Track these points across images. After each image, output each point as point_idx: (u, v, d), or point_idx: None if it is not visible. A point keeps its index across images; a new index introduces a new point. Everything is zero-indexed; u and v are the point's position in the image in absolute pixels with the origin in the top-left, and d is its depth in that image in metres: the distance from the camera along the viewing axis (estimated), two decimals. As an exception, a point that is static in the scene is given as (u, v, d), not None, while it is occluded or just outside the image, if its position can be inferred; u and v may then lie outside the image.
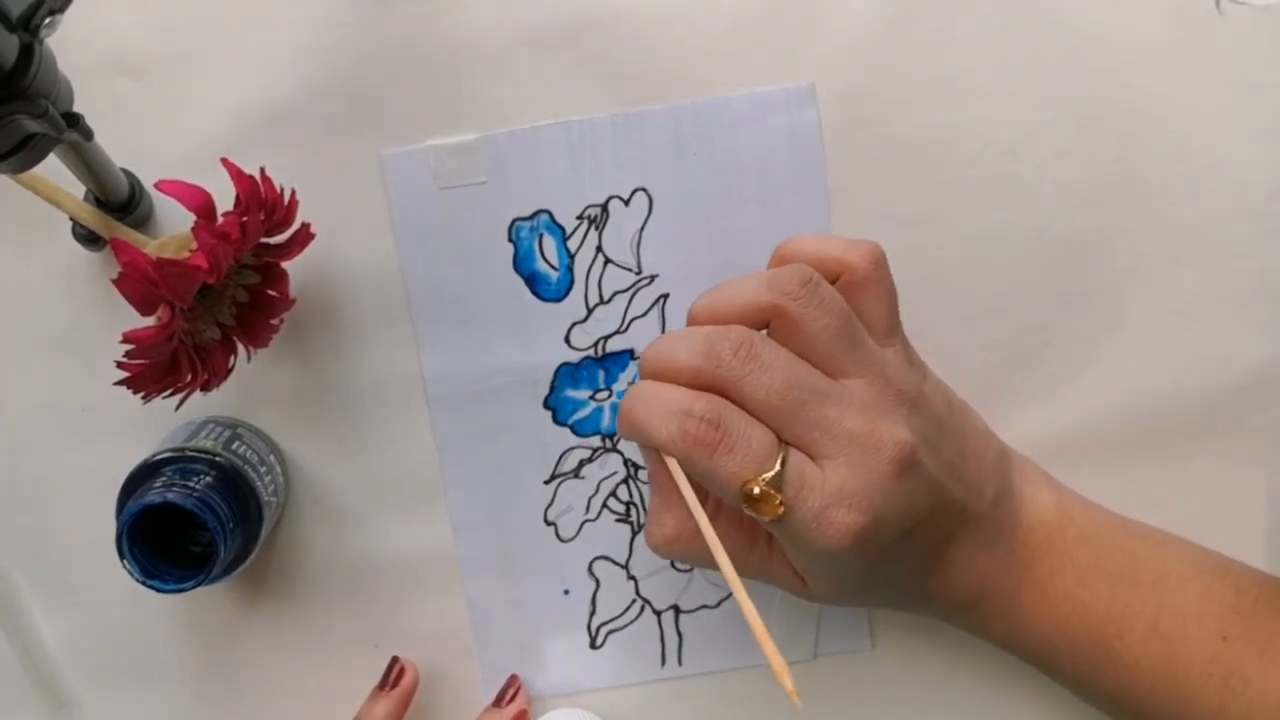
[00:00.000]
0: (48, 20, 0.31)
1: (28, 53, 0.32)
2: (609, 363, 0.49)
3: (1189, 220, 0.48)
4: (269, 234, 0.43)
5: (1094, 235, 0.48)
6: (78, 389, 0.48)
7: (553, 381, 0.49)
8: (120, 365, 0.40)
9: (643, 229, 0.48)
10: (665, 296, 0.48)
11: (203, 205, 0.39)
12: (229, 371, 0.45)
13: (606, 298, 0.49)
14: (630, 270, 0.48)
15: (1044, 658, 0.44)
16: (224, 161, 0.40)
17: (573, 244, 0.48)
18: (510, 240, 0.48)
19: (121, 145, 0.44)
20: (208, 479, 0.44)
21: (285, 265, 0.45)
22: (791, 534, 0.37)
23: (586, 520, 0.50)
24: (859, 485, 0.37)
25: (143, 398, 0.41)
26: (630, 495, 0.50)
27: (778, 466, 0.36)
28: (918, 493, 0.38)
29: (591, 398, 0.49)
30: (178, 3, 0.47)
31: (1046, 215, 0.48)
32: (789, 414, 0.36)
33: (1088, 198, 0.48)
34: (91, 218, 0.43)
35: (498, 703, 0.49)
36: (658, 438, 0.37)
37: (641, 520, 0.50)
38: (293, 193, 0.43)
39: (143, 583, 0.43)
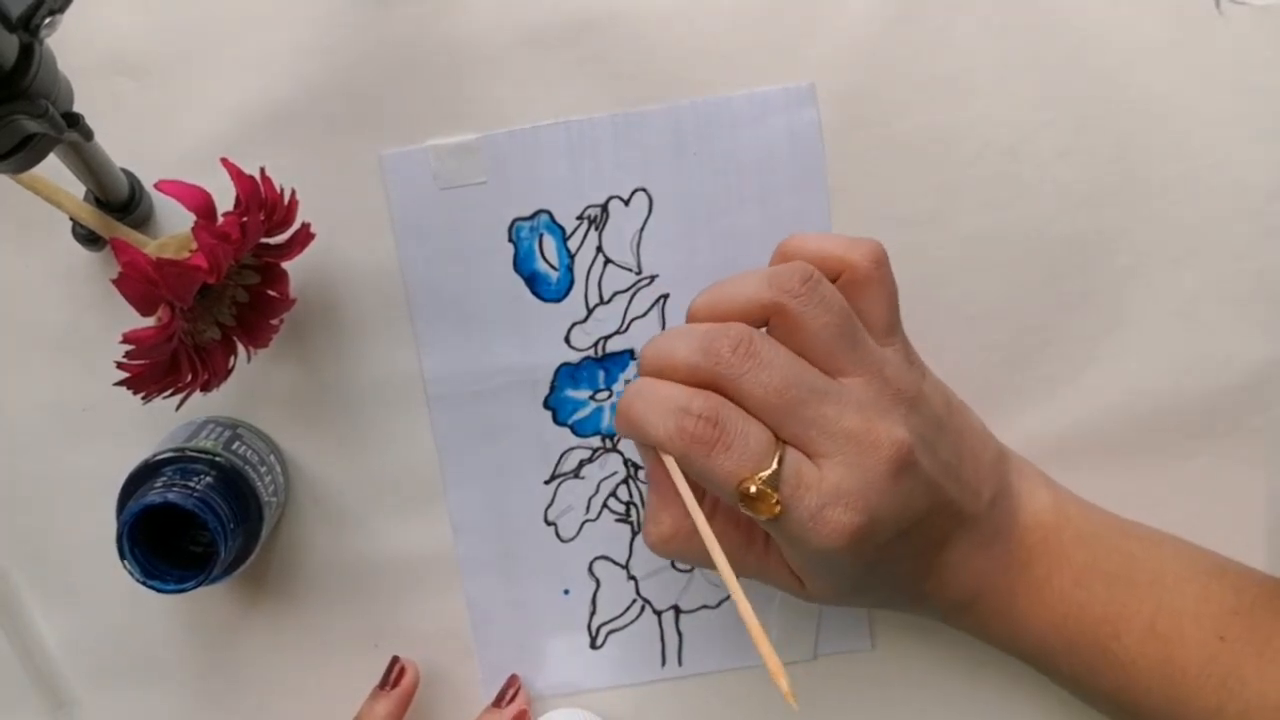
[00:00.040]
0: (48, 20, 0.31)
1: (28, 53, 0.32)
2: (609, 363, 0.49)
3: (1189, 220, 0.48)
4: (269, 234, 0.43)
5: (1094, 235, 0.48)
6: (78, 389, 0.48)
7: (553, 381, 0.49)
8: (120, 365, 0.40)
9: (643, 229, 0.48)
10: (665, 297, 0.48)
11: (203, 205, 0.39)
12: (229, 372, 0.45)
13: (606, 298, 0.49)
14: (630, 270, 0.48)
15: (1041, 658, 0.44)
16: (224, 161, 0.40)
17: (573, 244, 0.48)
18: (510, 240, 0.48)
19: (121, 145, 0.44)
20: (208, 479, 0.44)
21: (285, 265, 0.45)
22: (788, 533, 0.37)
23: (587, 520, 0.50)
24: (856, 485, 0.36)
25: (143, 398, 0.41)
26: (630, 495, 0.50)
27: (775, 465, 0.36)
28: (914, 493, 0.38)
29: (591, 398, 0.49)
30: (178, 3, 0.47)
31: (1046, 215, 0.48)
32: (787, 412, 0.36)
33: (1088, 198, 0.48)
34: (91, 218, 0.43)
35: (498, 703, 0.49)
36: (655, 435, 0.37)
37: (641, 520, 0.50)
38: (293, 193, 0.43)
39: (143, 583, 0.43)
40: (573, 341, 0.49)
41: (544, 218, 0.48)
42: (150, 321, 0.40)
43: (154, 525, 0.43)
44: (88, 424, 0.49)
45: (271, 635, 0.50)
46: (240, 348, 0.46)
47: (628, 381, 0.49)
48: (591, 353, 0.49)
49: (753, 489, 0.36)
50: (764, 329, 0.38)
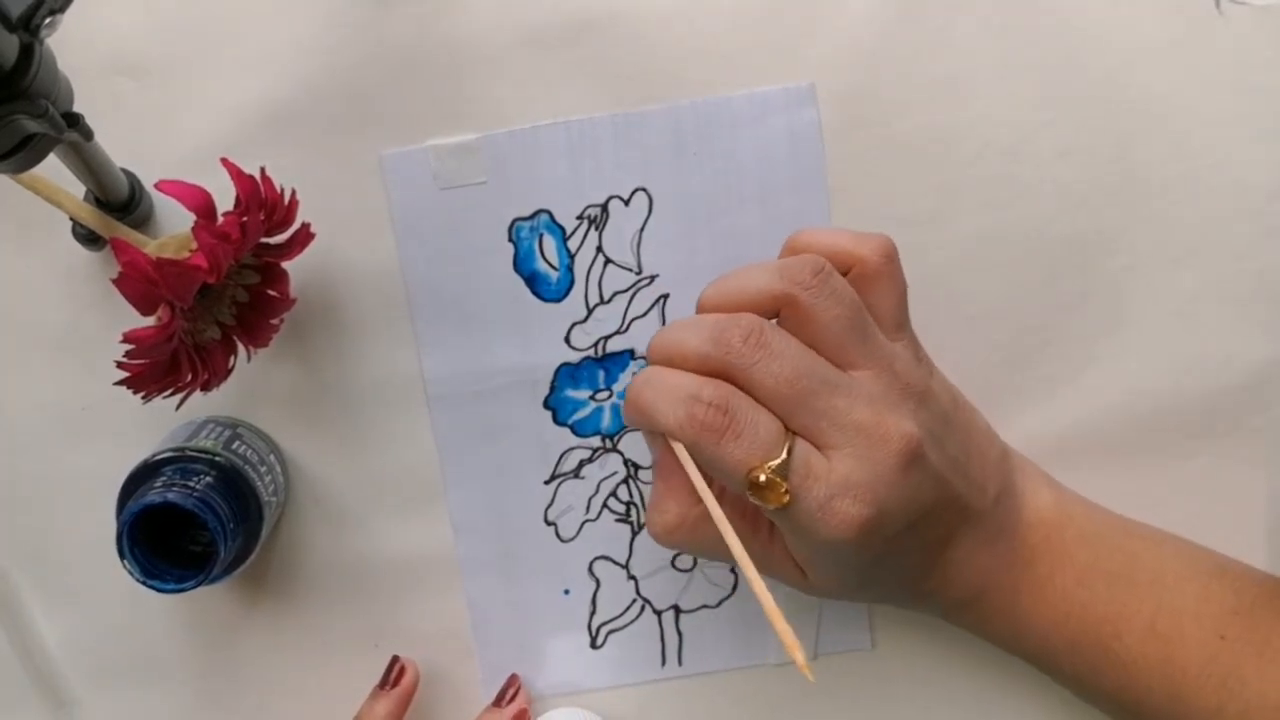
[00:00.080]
0: (48, 20, 0.31)
1: (28, 53, 0.32)
2: (609, 363, 0.49)
3: (1189, 220, 0.48)
4: (269, 234, 0.43)
5: (1094, 235, 0.48)
6: (78, 389, 0.48)
7: (553, 382, 0.49)
8: (120, 365, 0.40)
9: (643, 229, 0.48)
10: (665, 297, 0.48)
11: (203, 205, 0.39)
12: (229, 371, 0.45)
13: (607, 298, 0.49)
14: (630, 270, 0.48)
15: (1043, 657, 0.44)
16: (224, 161, 0.40)
17: (573, 244, 0.48)
18: (510, 240, 0.48)
19: (121, 145, 0.44)
20: (208, 479, 0.44)
21: (285, 265, 0.45)
22: (795, 523, 0.37)
23: (587, 520, 0.50)
24: (865, 477, 0.37)
25: (143, 397, 0.41)
26: (630, 495, 0.50)
27: (784, 455, 0.36)
28: (922, 486, 0.38)
29: (592, 398, 0.49)
30: (178, 3, 0.47)
31: (1046, 215, 0.48)
32: (797, 403, 0.36)
33: (1087, 198, 0.48)
34: (91, 218, 0.43)
35: (498, 702, 0.49)
36: (665, 422, 0.37)
37: (642, 520, 0.50)
38: (293, 193, 0.43)
39: (143, 583, 0.43)
40: (573, 341, 0.49)
41: (544, 218, 0.48)
42: (150, 321, 0.40)
43: (154, 525, 0.43)
44: (88, 424, 0.49)
45: (272, 635, 0.50)
46: (240, 347, 0.46)
47: (634, 374, 0.49)
48: (592, 353, 0.49)
49: (762, 478, 0.36)
50: (774, 320, 0.39)
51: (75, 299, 0.48)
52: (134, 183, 0.46)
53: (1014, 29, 0.47)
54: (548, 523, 0.50)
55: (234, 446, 0.46)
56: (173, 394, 0.42)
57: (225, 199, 0.40)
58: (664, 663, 0.51)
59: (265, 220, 0.42)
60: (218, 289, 0.44)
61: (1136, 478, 0.49)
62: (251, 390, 0.49)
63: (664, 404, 0.37)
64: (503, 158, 0.47)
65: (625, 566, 0.50)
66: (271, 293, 0.46)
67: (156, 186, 0.40)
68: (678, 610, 0.51)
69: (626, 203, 0.48)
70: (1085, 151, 0.47)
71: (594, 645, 0.51)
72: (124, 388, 0.40)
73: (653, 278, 0.48)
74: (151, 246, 0.42)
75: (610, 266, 0.48)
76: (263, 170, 0.42)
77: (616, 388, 0.49)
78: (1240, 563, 0.46)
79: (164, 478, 0.44)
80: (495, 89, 0.47)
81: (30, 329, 0.48)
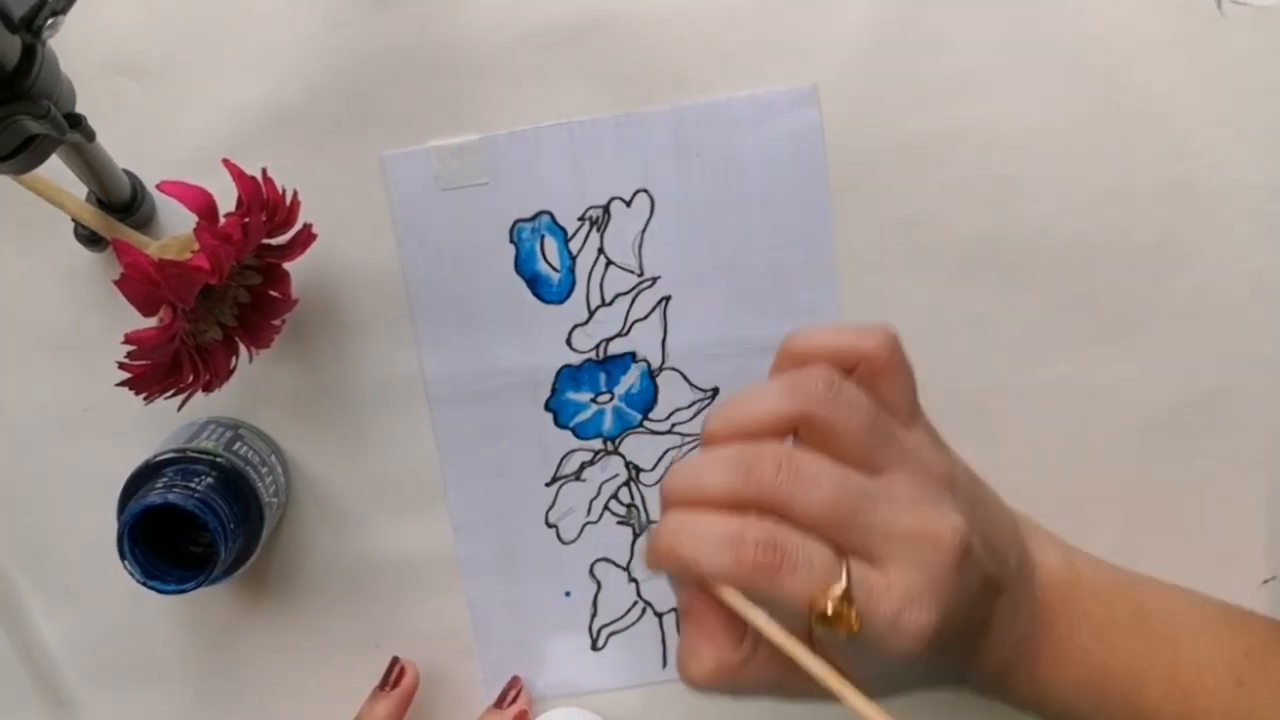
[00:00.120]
0: (50, 21, 0.31)
1: (30, 54, 0.32)
2: (610, 365, 0.49)
3: (1189, 220, 0.48)
4: (271, 235, 0.43)
5: (1094, 235, 0.48)
6: (79, 389, 0.48)
7: (554, 384, 0.49)
8: (122, 366, 0.40)
9: (644, 230, 0.48)
10: (667, 299, 0.48)
11: (204, 206, 0.39)
12: (230, 372, 0.45)
13: (608, 300, 0.49)
14: (632, 272, 0.48)
15: (1067, 716, 0.43)
16: (226, 162, 0.40)
17: (574, 245, 0.48)
18: (512, 241, 0.48)
19: (123, 146, 0.44)
20: (209, 480, 0.44)
21: (287, 266, 0.45)
22: (865, 644, 0.35)
23: (588, 523, 0.50)
24: (925, 581, 0.35)
25: (144, 398, 0.41)
26: (631, 498, 0.50)
27: (844, 579, 0.34)
28: (973, 576, 0.36)
29: (593, 400, 0.49)
30: (179, 3, 0.47)
31: (1047, 216, 0.48)
32: (844, 524, 0.35)
33: (1088, 198, 0.48)
34: (93, 219, 0.43)
35: (499, 704, 0.49)
36: (712, 570, 0.34)
37: (642, 523, 0.50)
38: (294, 194, 0.43)
39: (143, 583, 0.43)
40: (574, 344, 0.49)
41: (545, 219, 0.48)
42: (152, 322, 0.40)
43: (155, 526, 0.43)
44: (89, 424, 0.49)
45: (272, 635, 0.50)
46: (242, 348, 0.46)
47: (630, 391, 0.49)
48: (593, 355, 0.49)
49: (829, 609, 0.33)
50: (791, 438, 0.37)
51: (77, 300, 0.48)
52: (136, 184, 0.46)
53: (1015, 30, 0.47)
54: (549, 525, 0.50)
55: (235, 447, 0.46)
56: (174, 395, 0.42)
57: (227, 200, 0.40)
58: (665, 665, 0.51)
59: (267, 221, 0.42)
60: (219, 290, 0.44)
61: (1137, 478, 0.49)
62: (253, 391, 0.49)
63: (706, 550, 0.34)
64: (504, 159, 0.47)
65: (626, 569, 0.50)
66: (273, 293, 0.46)
67: (158, 187, 0.40)
68: (679, 613, 0.51)
69: (628, 204, 0.48)
70: (1086, 152, 0.47)
71: (595, 647, 0.51)
72: (126, 388, 0.40)
73: (654, 279, 0.48)
74: (153, 247, 0.42)
75: (612, 268, 0.48)
76: (264, 171, 0.42)
77: (618, 390, 0.49)
78: (1244, 608, 0.45)
79: (165, 478, 0.44)
80: (496, 90, 0.47)
81: (32, 330, 0.48)
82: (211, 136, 0.47)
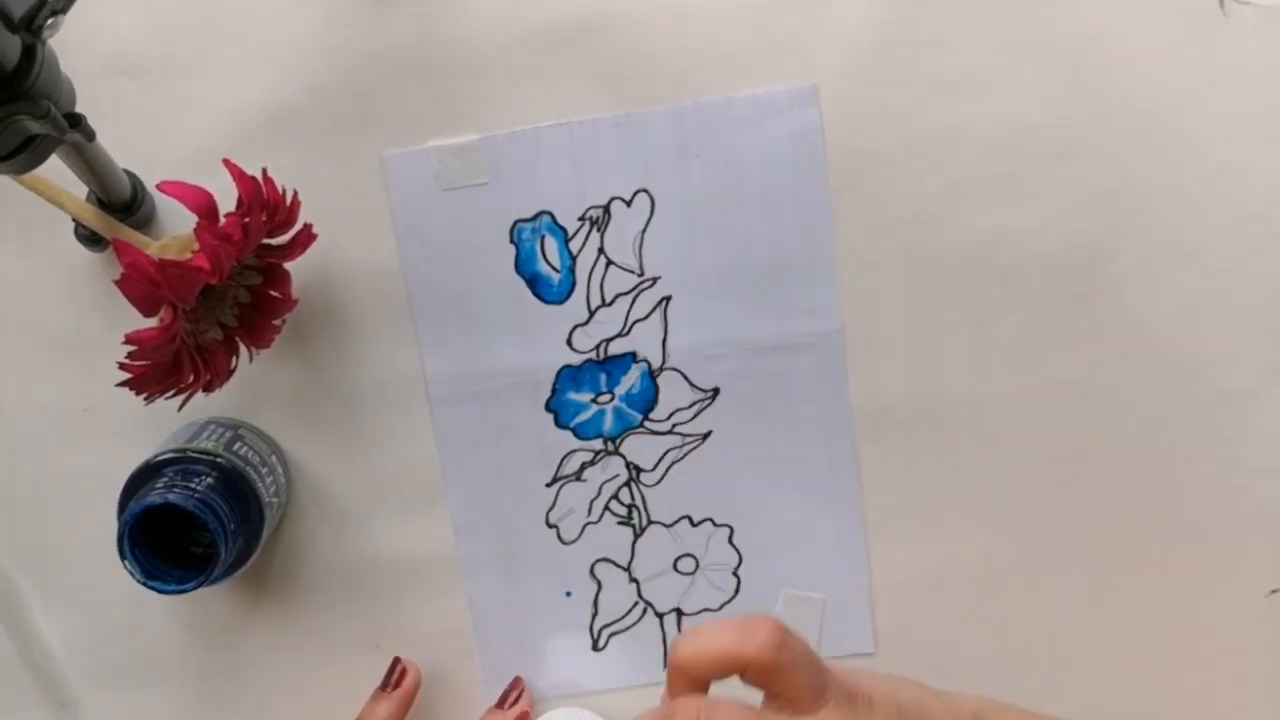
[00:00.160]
0: (50, 21, 0.31)
1: (30, 53, 0.32)
2: (611, 365, 0.49)
3: (1190, 221, 0.48)
4: (271, 235, 0.43)
5: (1096, 236, 0.48)
6: (79, 389, 0.48)
7: (554, 384, 0.49)
8: (122, 366, 0.40)
9: (645, 230, 0.48)
10: (667, 299, 0.48)
11: (205, 206, 0.39)
12: (231, 372, 0.45)
13: (608, 300, 0.48)
14: (632, 272, 0.48)
15: None
16: (226, 162, 0.40)
17: (574, 245, 0.48)
18: (512, 242, 0.48)
19: (123, 146, 0.44)
20: (209, 480, 0.44)
21: (287, 266, 0.45)
22: None
23: (589, 523, 0.50)
24: None
25: (145, 398, 0.41)
26: (632, 498, 0.50)
27: None
28: None
29: (593, 401, 0.49)
30: (179, 3, 0.47)
31: (1048, 216, 0.48)
32: None
33: (1089, 198, 0.47)
34: (94, 219, 0.43)
35: (501, 704, 0.49)
36: None
37: (644, 522, 0.50)
38: (295, 193, 0.43)
39: (144, 583, 0.43)
40: (574, 344, 0.49)
41: (546, 219, 0.48)
42: (152, 322, 0.40)
43: (155, 526, 0.43)
44: (89, 424, 0.49)
45: (273, 636, 0.50)
46: (242, 348, 0.46)
47: (630, 391, 0.49)
48: (593, 355, 0.49)
49: None
50: None
51: (77, 300, 0.48)
52: (136, 184, 0.46)
53: (1016, 29, 0.46)
54: (549, 525, 0.50)
55: (235, 448, 0.46)
56: (175, 395, 0.42)
57: (227, 200, 0.40)
58: (665, 665, 0.51)
59: (267, 221, 0.42)
60: (220, 290, 0.44)
61: (1138, 479, 0.49)
62: (253, 391, 0.49)
63: None
64: (504, 159, 0.47)
65: (627, 569, 0.50)
66: (273, 293, 0.46)
67: (158, 187, 0.40)
68: (680, 613, 0.51)
69: (628, 204, 0.48)
70: (1087, 152, 0.47)
71: (595, 647, 0.51)
72: (126, 388, 0.40)
73: (654, 279, 0.48)
74: (153, 247, 0.42)
75: (612, 268, 0.48)
76: (264, 171, 0.42)
77: (618, 390, 0.49)
78: None
79: (165, 479, 0.44)
80: (496, 89, 0.47)
81: (32, 330, 0.48)
82: (211, 136, 0.47)
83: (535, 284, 0.48)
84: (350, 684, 0.49)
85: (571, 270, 0.48)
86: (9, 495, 0.49)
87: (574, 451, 0.49)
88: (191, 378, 0.42)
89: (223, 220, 0.40)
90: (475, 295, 0.48)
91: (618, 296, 0.48)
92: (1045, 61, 0.47)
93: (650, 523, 0.50)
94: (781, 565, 0.50)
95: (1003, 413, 0.48)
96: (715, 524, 0.50)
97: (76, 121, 0.35)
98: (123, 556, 0.42)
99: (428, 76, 0.47)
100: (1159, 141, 0.47)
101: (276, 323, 0.46)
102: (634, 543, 0.50)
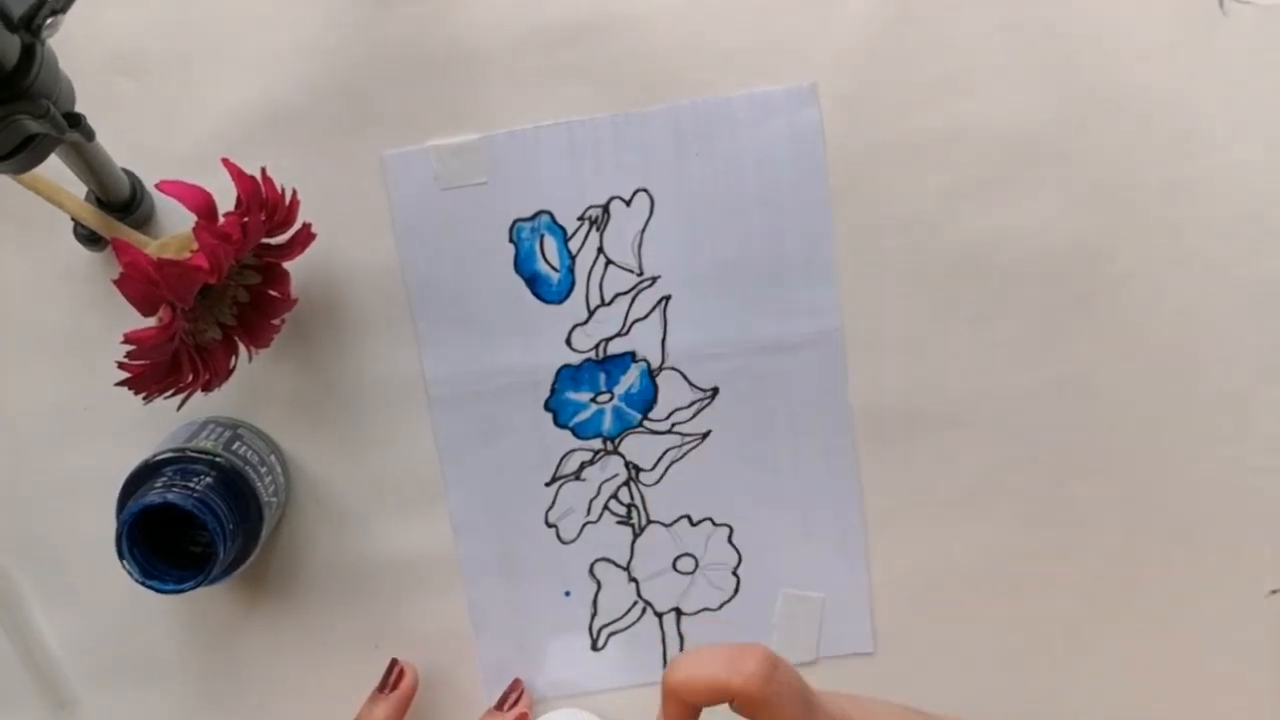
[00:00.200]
0: (49, 20, 0.31)
1: (29, 53, 0.32)
2: (610, 365, 0.49)
3: (1190, 221, 0.48)
4: (270, 234, 0.43)
5: (1095, 236, 0.48)
6: (78, 389, 0.48)
7: (554, 384, 0.49)
8: (121, 365, 0.39)
9: (644, 230, 0.48)
10: (667, 298, 0.48)
11: (204, 205, 0.39)
12: (230, 372, 0.45)
13: (608, 299, 0.48)
14: (632, 272, 0.48)
15: None
16: (225, 162, 0.40)
17: (574, 245, 0.48)
18: (511, 241, 0.48)
19: (122, 145, 0.44)
20: (208, 479, 0.44)
21: (286, 265, 0.45)
22: None
23: (588, 522, 0.50)
24: None
25: (144, 398, 0.41)
26: (631, 498, 0.50)
27: None
28: None
29: (593, 400, 0.49)
30: (179, 3, 0.47)
31: (1048, 216, 0.48)
32: None
33: (1089, 198, 0.48)
34: (93, 218, 0.43)
35: (500, 706, 0.49)
36: None
37: (643, 522, 0.50)
38: (294, 193, 0.43)
39: (142, 583, 0.43)
40: (574, 343, 0.49)
41: (545, 218, 0.48)
42: (151, 322, 0.40)
43: (154, 525, 0.43)
44: (88, 424, 0.49)
45: (272, 636, 0.50)
46: (241, 348, 0.46)
47: (630, 390, 0.49)
48: (593, 355, 0.49)
49: None
50: None
51: (76, 299, 0.48)
52: (135, 183, 0.46)
53: (1015, 29, 0.47)
54: (549, 524, 0.50)
55: (234, 447, 0.46)
56: (174, 394, 0.42)
57: (226, 199, 0.40)
58: (665, 665, 0.51)
59: (266, 220, 0.42)
60: (219, 289, 0.44)
61: (1138, 479, 0.49)
62: (252, 391, 0.49)
63: None
64: (503, 158, 0.47)
65: (626, 569, 0.50)
66: (272, 293, 0.46)
67: (157, 187, 0.40)
68: (679, 613, 0.51)
69: (628, 203, 0.48)
70: (1086, 152, 0.47)
71: (595, 647, 0.51)
72: (125, 388, 0.40)
73: (654, 279, 0.48)
74: (153, 247, 0.42)
75: (611, 268, 0.48)
76: (263, 170, 0.42)
77: (618, 390, 0.49)
78: None
79: (164, 478, 0.44)
80: (496, 89, 0.47)
81: (31, 329, 0.48)
82: (210, 135, 0.47)
83: (534, 283, 0.48)
84: (349, 684, 0.49)
85: (571, 270, 0.48)
86: (8, 495, 0.49)
87: (573, 451, 0.49)
88: (190, 377, 0.42)
89: (222, 219, 0.40)
90: (474, 295, 0.48)
91: (617, 296, 0.48)
92: (1045, 61, 0.47)
93: (649, 522, 0.50)
94: (781, 565, 0.50)
95: (1002, 413, 0.48)
96: (714, 523, 0.50)
97: (76, 121, 0.35)
98: (121, 556, 0.42)
99: (427, 76, 0.47)
100: (1159, 141, 0.47)
101: (275, 322, 0.46)
102: (633, 542, 0.50)
